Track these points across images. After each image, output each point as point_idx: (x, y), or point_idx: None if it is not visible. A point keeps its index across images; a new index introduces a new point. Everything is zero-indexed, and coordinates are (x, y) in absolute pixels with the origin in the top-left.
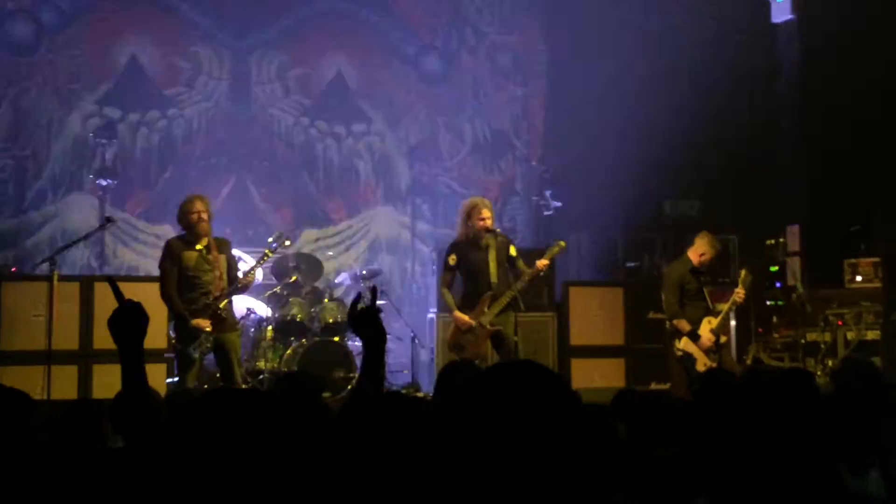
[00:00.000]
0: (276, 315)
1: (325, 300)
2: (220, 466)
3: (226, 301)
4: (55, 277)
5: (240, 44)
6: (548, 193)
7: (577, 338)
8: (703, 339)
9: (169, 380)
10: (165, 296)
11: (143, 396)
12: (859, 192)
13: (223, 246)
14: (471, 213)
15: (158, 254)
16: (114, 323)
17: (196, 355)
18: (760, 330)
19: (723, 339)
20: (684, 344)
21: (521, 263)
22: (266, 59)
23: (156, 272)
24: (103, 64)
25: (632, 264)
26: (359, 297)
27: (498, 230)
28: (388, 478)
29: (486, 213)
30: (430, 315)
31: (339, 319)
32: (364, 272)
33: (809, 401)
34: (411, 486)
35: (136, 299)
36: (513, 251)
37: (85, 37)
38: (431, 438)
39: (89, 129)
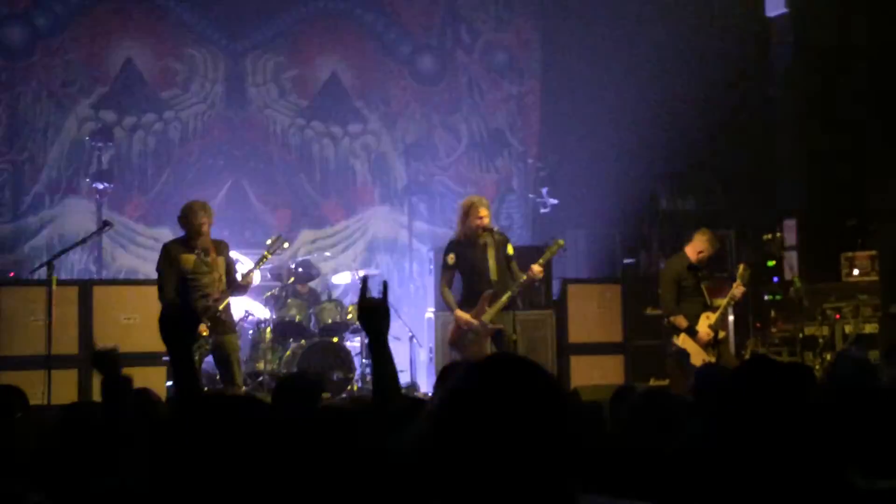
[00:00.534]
0: (275, 316)
1: (324, 301)
2: (220, 467)
3: (225, 303)
4: (54, 282)
5: (235, 45)
6: (544, 191)
7: (575, 335)
8: (700, 334)
9: (169, 383)
10: (164, 299)
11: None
12: (856, 185)
13: (221, 248)
14: (469, 212)
15: (157, 257)
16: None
17: (195, 358)
18: (758, 325)
19: (721, 334)
20: (682, 340)
21: (514, 265)
22: (261, 60)
23: (154, 275)
24: (98, 67)
25: (629, 261)
26: (365, 285)
27: (496, 228)
28: (388, 478)
29: (483, 212)
30: (429, 315)
31: (338, 320)
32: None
33: (810, 400)
34: (408, 486)
35: (135, 302)
36: (510, 250)
37: (80, 41)
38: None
39: (85, 133)
